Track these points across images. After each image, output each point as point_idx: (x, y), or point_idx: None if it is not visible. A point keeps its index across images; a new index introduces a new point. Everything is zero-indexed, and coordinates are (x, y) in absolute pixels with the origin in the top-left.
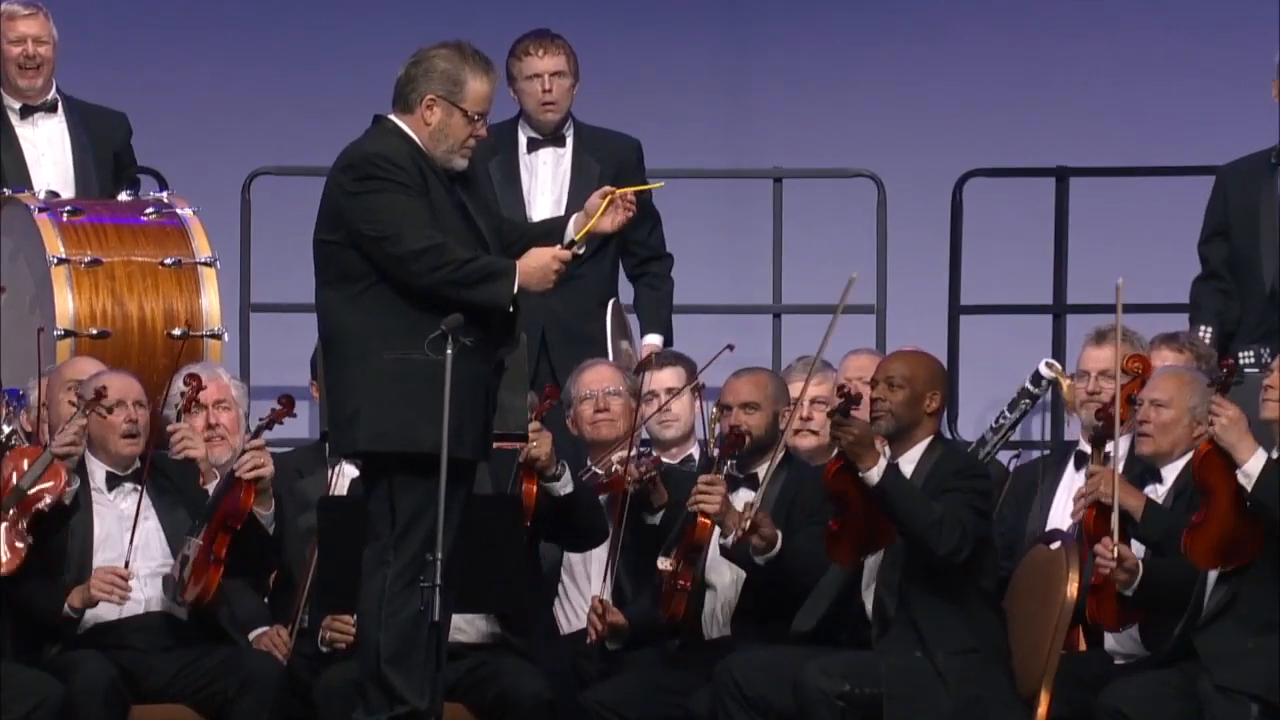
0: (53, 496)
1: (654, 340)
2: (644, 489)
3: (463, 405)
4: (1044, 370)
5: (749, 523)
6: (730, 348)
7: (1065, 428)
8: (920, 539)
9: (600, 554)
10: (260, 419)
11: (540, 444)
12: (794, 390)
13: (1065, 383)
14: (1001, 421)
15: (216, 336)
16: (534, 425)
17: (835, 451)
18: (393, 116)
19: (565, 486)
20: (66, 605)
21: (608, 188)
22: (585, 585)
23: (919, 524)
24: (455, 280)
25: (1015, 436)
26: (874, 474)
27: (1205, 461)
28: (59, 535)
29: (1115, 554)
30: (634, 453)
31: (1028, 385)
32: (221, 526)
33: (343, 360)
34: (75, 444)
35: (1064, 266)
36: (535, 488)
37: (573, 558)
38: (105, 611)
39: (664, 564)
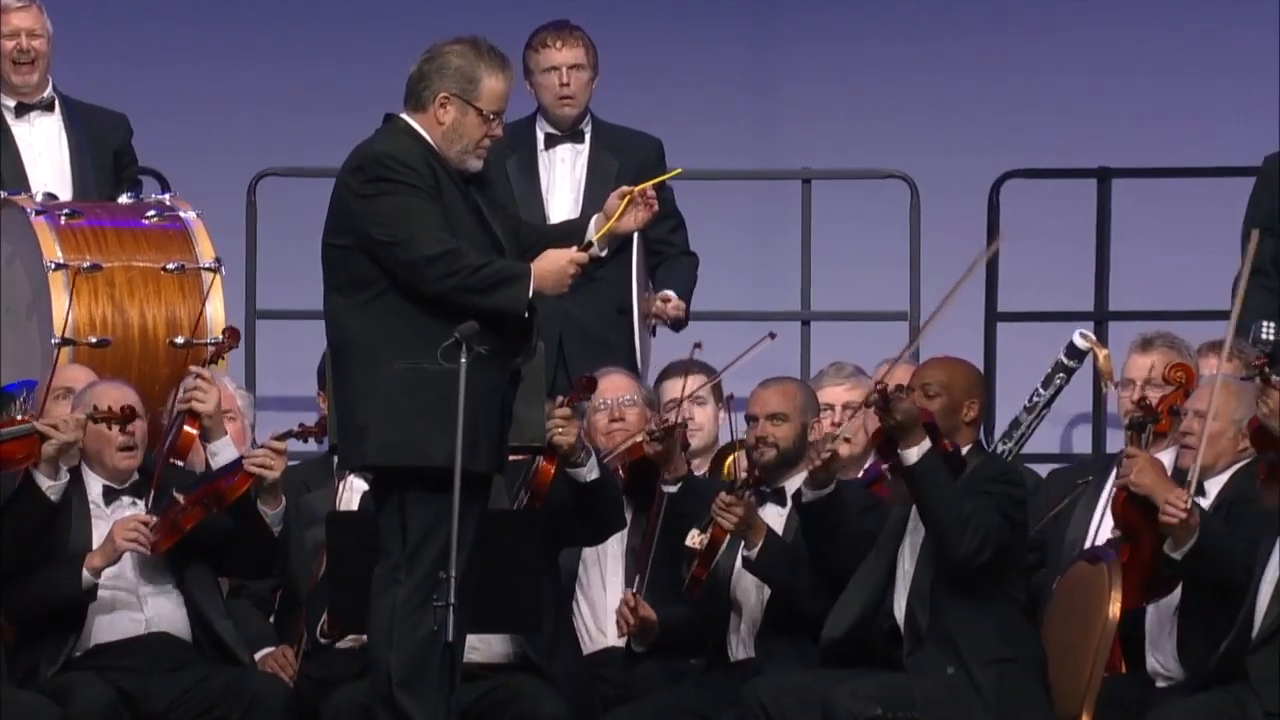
0: (15, 467)
1: (669, 294)
2: (663, 443)
3: (477, 416)
4: (1079, 341)
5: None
6: (772, 335)
7: (1107, 441)
8: (943, 534)
9: (615, 566)
10: (294, 428)
11: (567, 431)
12: (827, 396)
13: (1101, 353)
14: (1035, 399)
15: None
16: (564, 412)
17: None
18: (404, 115)
19: (591, 472)
20: (85, 571)
21: (625, 187)
22: (601, 598)
23: (946, 517)
24: (468, 286)
25: (1055, 449)
26: (912, 454)
27: (1125, 508)
28: (54, 545)
29: (1188, 505)
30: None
31: (1062, 358)
32: (200, 501)
33: (352, 369)
34: (67, 440)
35: (1106, 272)
36: (553, 469)
37: (588, 571)
38: (105, 631)
39: (694, 539)
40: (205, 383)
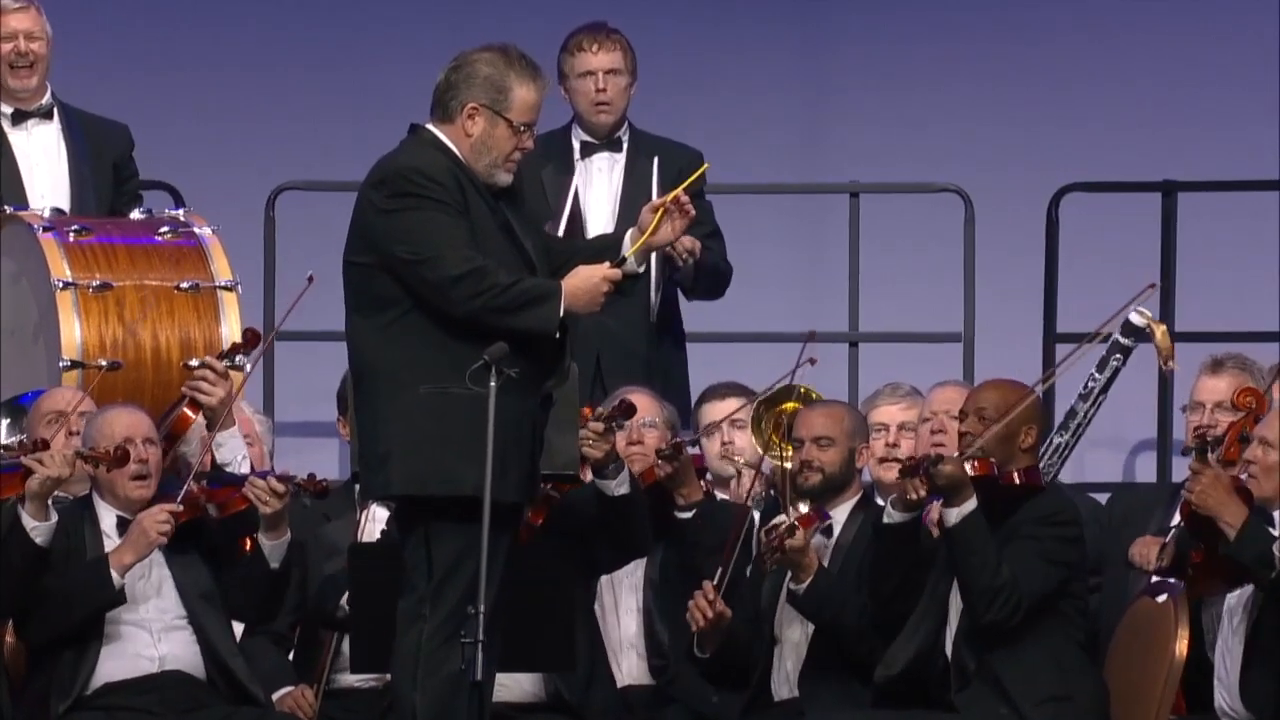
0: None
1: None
2: (676, 468)
3: (507, 443)
4: (1135, 318)
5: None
6: (812, 361)
7: (1173, 469)
8: (973, 600)
9: (630, 598)
10: (301, 478)
11: (597, 445)
12: (881, 416)
13: (1159, 330)
14: (1091, 385)
15: (237, 368)
16: (597, 426)
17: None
18: (431, 126)
19: (621, 486)
20: (114, 572)
21: (657, 200)
22: (615, 633)
23: (978, 584)
24: (497, 306)
25: (1117, 476)
26: (953, 514)
27: (1193, 521)
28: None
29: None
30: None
31: (1118, 337)
32: (200, 500)
33: (375, 394)
34: (51, 476)
35: (1171, 290)
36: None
37: (602, 603)
38: (116, 669)
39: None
40: (214, 375)
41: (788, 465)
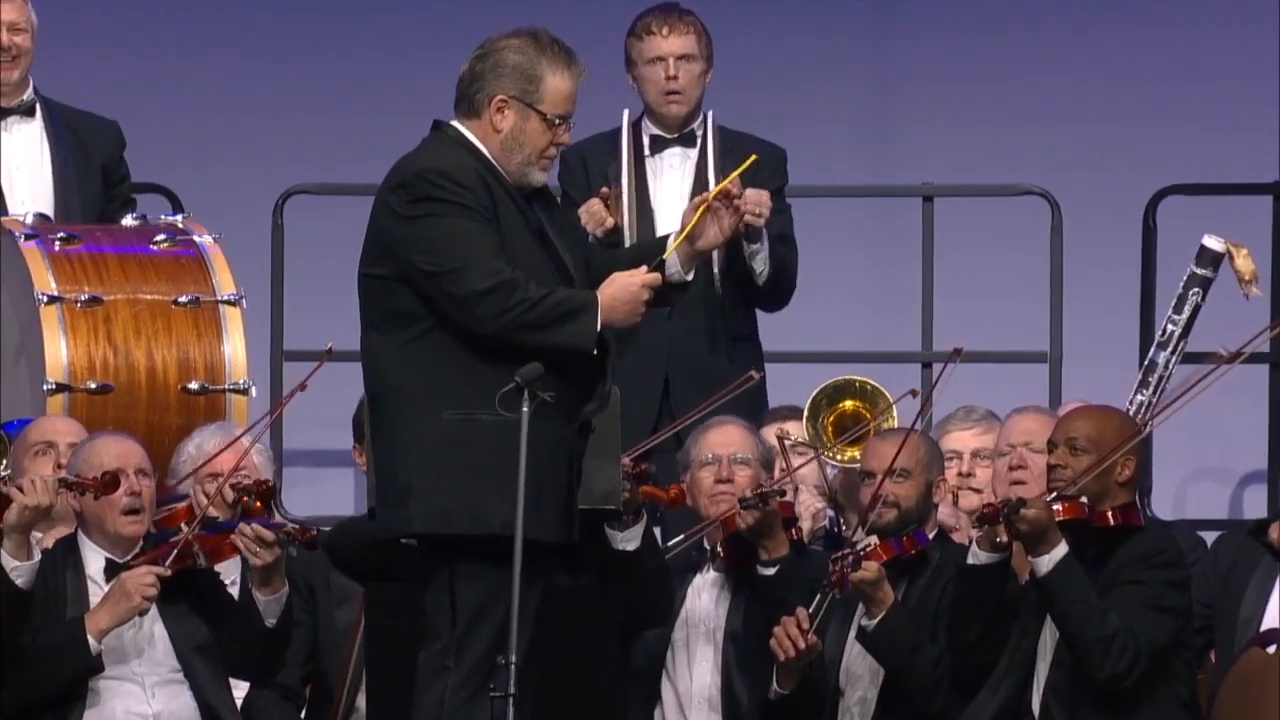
0: None
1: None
2: (759, 518)
3: (542, 475)
4: (1211, 243)
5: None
6: (914, 394)
7: None
8: (1083, 655)
9: (705, 651)
10: (290, 528)
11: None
12: (953, 443)
13: (1240, 253)
14: (1170, 330)
15: (242, 391)
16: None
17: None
18: (455, 123)
19: (630, 541)
20: (90, 637)
21: (700, 195)
22: (687, 687)
23: (1085, 637)
24: (528, 322)
25: (1223, 513)
26: (1044, 563)
27: None
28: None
29: None
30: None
31: (1194, 268)
32: (181, 549)
33: (393, 420)
34: (30, 506)
35: None
36: None
37: (675, 656)
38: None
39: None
40: (266, 548)
41: (843, 462)
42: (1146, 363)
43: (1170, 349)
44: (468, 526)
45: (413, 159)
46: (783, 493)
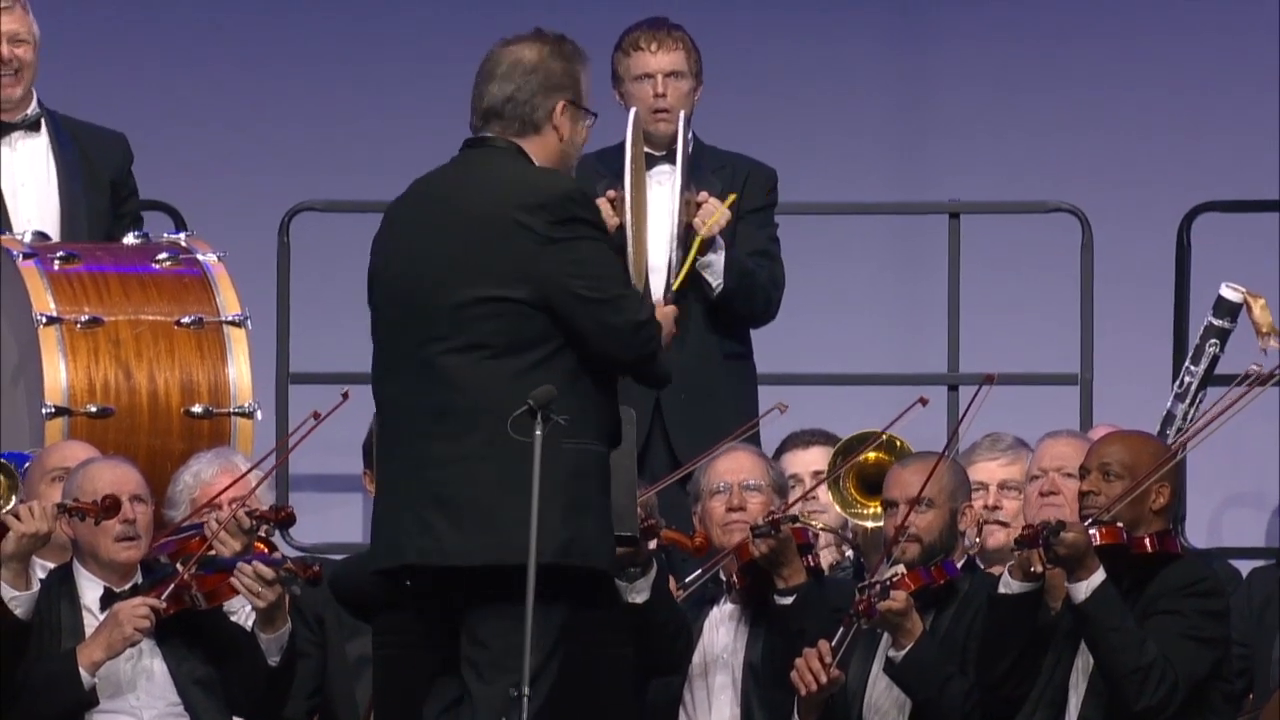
0: None
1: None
2: (773, 546)
3: (606, 503)
4: (1228, 293)
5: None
6: (923, 401)
7: None
8: (1119, 685)
9: (725, 682)
10: (288, 563)
11: None
12: (980, 474)
13: (1257, 303)
14: (1187, 381)
15: (247, 415)
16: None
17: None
18: (513, 141)
19: (640, 593)
20: (83, 670)
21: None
22: (705, 714)
23: (1122, 666)
24: (655, 353)
25: (1259, 540)
26: (1081, 590)
27: None
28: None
29: None
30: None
31: (1211, 320)
32: (177, 587)
33: (501, 448)
34: (27, 533)
35: None
36: None
37: (693, 692)
38: None
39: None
40: (267, 587)
41: (872, 525)
42: (1165, 414)
43: (1188, 400)
44: (580, 559)
45: (536, 177)
46: (796, 518)
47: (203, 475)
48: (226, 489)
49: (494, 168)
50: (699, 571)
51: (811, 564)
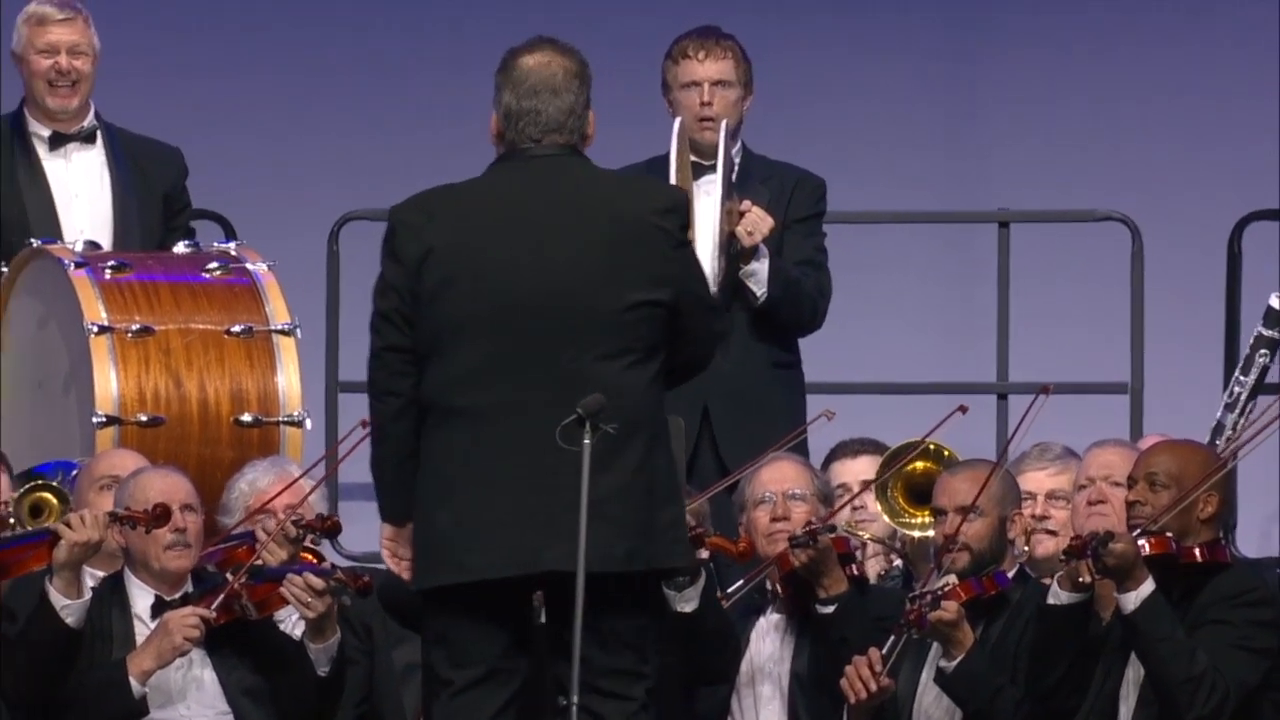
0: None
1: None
2: (812, 556)
3: None
4: (1277, 304)
5: None
6: (963, 410)
7: None
8: (1170, 695)
9: (772, 692)
10: (339, 574)
11: None
12: (1029, 483)
13: None
14: (1237, 392)
15: (296, 424)
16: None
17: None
18: (579, 152)
19: (688, 601)
20: (133, 680)
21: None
22: None
23: (1173, 676)
24: None
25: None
26: (1130, 600)
27: None
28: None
29: None
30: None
31: (1260, 330)
32: (227, 596)
33: (652, 454)
34: (79, 542)
35: None
36: None
37: (740, 700)
38: None
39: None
40: (318, 597)
41: (920, 534)
42: (1214, 424)
43: (1238, 410)
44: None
45: (653, 183)
46: (834, 528)
47: (258, 483)
48: (279, 494)
49: (598, 175)
50: (740, 581)
51: (855, 573)
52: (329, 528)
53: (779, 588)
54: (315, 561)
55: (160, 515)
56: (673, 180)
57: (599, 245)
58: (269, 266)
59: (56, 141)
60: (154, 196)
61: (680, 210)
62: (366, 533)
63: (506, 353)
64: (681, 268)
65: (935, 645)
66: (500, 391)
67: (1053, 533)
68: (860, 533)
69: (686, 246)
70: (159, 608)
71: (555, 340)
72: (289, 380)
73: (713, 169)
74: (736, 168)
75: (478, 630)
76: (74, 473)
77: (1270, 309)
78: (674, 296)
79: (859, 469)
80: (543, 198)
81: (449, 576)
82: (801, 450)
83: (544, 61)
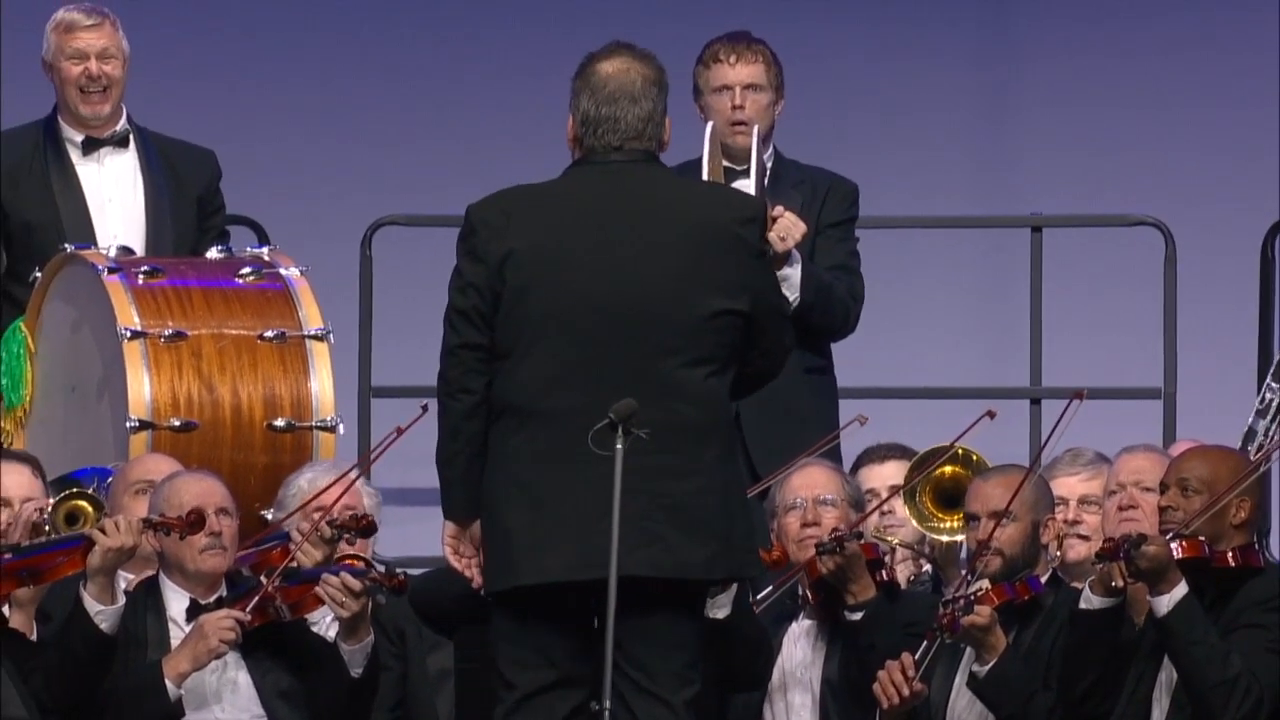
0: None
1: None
2: (840, 563)
3: None
4: None
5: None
6: (991, 414)
7: None
8: (1203, 698)
9: (804, 700)
10: (376, 572)
11: None
12: (1061, 489)
13: None
14: (1269, 398)
15: (329, 429)
16: None
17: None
18: (657, 158)
19: (721, 608)
20: (169, 683)
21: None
22: None
23: (1207, 679)
24: None
25: None
26: (1163, 603)
27: None
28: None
29: None
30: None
31: None
32: (261, 599)
33: (727, 463)
34: (113, 547)
35: None
36: None
37: (773, 706)
38: None
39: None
40: (352, 598)
41: (949, 539)
42: (1246, 430)
43: (1270, 417)
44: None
45: (734, 192)
46: (860, 534)
47: (318, 482)
48: (327, 488)
49: (679, 182)
50: (769, 588)
51: (885, 579)
52: (363, 526)
53: (809, 594)
54: (364, 565)
55: (195, 521)
56: None
57: (681, 253)
58: (302, 272)
59: (89, 146)
60: (188, 199)
61: (761, 221)
62: (399, 537)
63: (586, 357)
64: (761, 278)
65: (968, 650)
66: (579, 396)
67: (1085, 538)
68: (888, 538)
69: (765, 257)
70: (194, 611)
71: (635, 346)
72: (322, 385)
73: (745, 173)
74: (768, 172)
75: (548, 634)
76: (109, 479)
77: None
78: (752, 306)
79: (887, 474)
80: (624, 204)
81: (528, 578)
82: (835, 456)
83: (623, 68)
